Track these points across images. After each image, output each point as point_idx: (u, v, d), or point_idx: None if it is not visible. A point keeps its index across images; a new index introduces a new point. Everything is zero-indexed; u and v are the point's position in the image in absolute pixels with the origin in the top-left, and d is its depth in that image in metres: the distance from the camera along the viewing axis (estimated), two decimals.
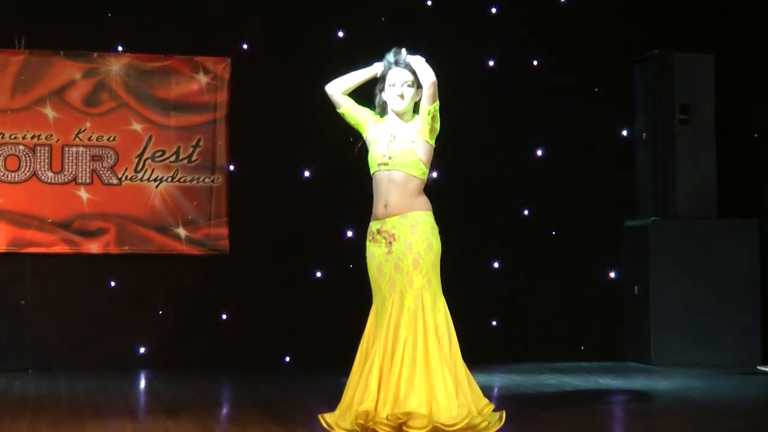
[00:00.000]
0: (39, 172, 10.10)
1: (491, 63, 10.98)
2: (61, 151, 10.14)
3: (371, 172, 6.37)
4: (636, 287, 10.74)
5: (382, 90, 6.39)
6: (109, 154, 10.26)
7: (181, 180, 10.38)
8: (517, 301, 10.94)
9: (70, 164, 10.20)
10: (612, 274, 11.12)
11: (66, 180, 10.18)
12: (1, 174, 10.04)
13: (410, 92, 6.30)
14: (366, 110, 6.45)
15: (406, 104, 6.30)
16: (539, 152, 11.09)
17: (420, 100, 6.29)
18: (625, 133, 11.19)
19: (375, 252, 6.29)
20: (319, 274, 10.63)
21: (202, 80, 10.44)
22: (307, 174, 10.60)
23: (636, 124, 11.05)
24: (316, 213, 10.52)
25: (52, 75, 10.20)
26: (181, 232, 10.34)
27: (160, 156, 10.36)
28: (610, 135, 11.16)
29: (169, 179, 10.35)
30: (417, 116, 6.31)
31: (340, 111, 6.45)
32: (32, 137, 10.09)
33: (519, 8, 10.95)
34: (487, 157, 10.85)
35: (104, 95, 10.28)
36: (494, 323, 10.84)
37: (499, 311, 10.91)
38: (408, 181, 6.23)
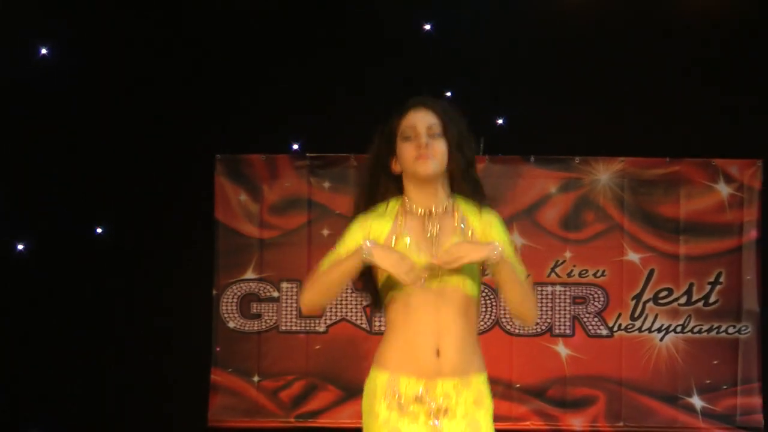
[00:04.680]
0: (503, 321, 8.01)
1: None
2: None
3: (389, 295, 4.09)
4: None
5: (390, 152, 4.10)
6: (596, 295, 8.01)
7: (695, 330, 8.01)
8: None
9: (544, 309, 7.99)
10: None
11: (539, 331, 8.02)
12: None
13: (440, 146, 4.04)
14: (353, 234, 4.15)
15: (437, 163, 4.03)
16: None
17: (461, 169, 4.11)
18: None
19: (402, 429, 4.04)
20: None
21: (723, 192, 7.98)
22: None
23: None
24: None
25: (519, 188, 8.05)
26: (697, 401, 7.97)
27: (665, 297, 8.02)
28: None
29: (679, 329, 8.02)
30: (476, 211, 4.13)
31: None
32: None
33: None
34: None
35: (589, 215, 8.03)
36: None
37: None
38: (468, 305, 4.07)
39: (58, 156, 7.80)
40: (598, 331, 7.96)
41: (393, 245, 4.03)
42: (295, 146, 7.97)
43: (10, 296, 7.77)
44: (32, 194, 7.80)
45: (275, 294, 7.97)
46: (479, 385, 4.10)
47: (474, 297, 4.09)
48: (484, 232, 4.06)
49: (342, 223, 7.88)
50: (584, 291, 7.97)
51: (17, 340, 7.77)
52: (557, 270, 7.96)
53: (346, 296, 7.91)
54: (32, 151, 7.76)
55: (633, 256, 7.94)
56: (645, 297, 7.96)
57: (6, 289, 7.77)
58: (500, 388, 7.87)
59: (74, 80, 7.80)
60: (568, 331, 7.97)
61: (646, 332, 7.96)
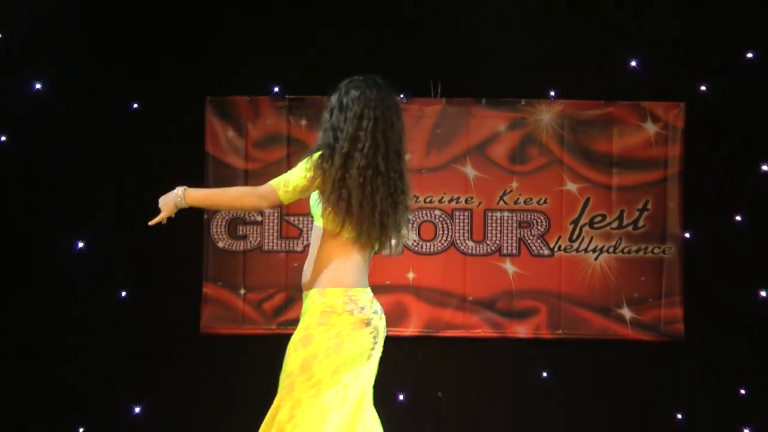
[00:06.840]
0: (458, 242, 8.59)
1: None
2: (483, 217, 8.58)
3: None
4: None
5: None
6: (539, 220, 8.59)
7: (625, 250, 8.54)
8: None
9: (494, 232, 8.60)
10: None
11: (489, 251, 8.61)
12: (415, 244, 8.60)
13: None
14: None
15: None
16: None
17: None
18: None
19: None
20: None
21: (651, 130, 8.51)
22: None
23: None
24: None
25: (472, 127, 8.60)
26: (626, 313, 8.49)
27: (599, 222, 8.55)
28: None
29: (611, 249, 8.53)
30: None
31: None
32: (450, 200, 8.60)
33: None
34: None
35: (533, 150, 8.58)
36: None
37: None
38: (316, 233, 4.78)
39: (57, 99, 8.24)
40: (541, 252, 8.51)
41: None
42: (276, 89, 8.37)
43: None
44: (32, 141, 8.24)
45: (259, 218, 8.38)
46: (311, 296, 4.71)
47: (318, 226, 4.75)
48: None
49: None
50: (529, 216, 8.49)
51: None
52: (505, 198, 8.50)
53: None
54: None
55: (571, 186, 8.46)
56: (582, 222, 8.44)
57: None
58: (455, 301, 8.47)
59: (71, 24, 8.17)
60: (514, 252, 8.52)
61: (583, 252, 8.44)
